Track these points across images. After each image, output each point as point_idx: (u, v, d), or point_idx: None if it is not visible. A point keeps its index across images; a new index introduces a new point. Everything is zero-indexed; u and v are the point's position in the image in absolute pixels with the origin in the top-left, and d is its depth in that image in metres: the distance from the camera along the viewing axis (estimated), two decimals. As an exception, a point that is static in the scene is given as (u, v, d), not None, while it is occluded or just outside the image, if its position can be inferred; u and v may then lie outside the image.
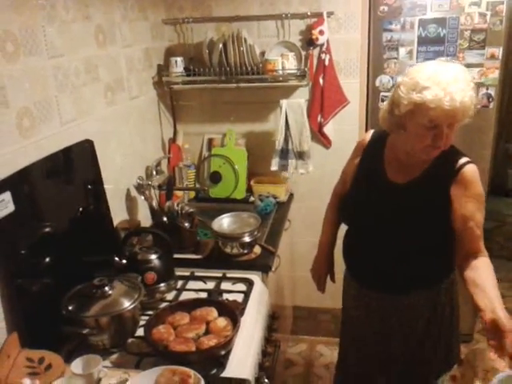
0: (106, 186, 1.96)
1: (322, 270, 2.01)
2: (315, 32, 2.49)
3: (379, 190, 1.69)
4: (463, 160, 1.58)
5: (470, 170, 1.57)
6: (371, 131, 1.83)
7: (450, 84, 1.42)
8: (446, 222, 1.59)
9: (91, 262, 1.75)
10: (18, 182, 1.47)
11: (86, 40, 1.90)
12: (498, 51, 2.50)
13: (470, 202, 1.56)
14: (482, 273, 1.54)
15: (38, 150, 1.60)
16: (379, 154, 1.72)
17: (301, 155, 2.62)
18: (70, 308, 1.50)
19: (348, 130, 2.74)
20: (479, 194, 1.58)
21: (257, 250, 2.11)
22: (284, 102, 2.59)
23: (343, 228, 1.89)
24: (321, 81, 2.59)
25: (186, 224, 2.13)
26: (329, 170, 2.80)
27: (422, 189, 1.61)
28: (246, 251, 2.06)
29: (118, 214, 2.14)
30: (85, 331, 1.46)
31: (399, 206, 1.63)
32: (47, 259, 1.59)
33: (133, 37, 2.30)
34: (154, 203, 2.20)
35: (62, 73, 1.74)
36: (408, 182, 1.64)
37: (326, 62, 2.55)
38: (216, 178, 2.79)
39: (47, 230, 1.62)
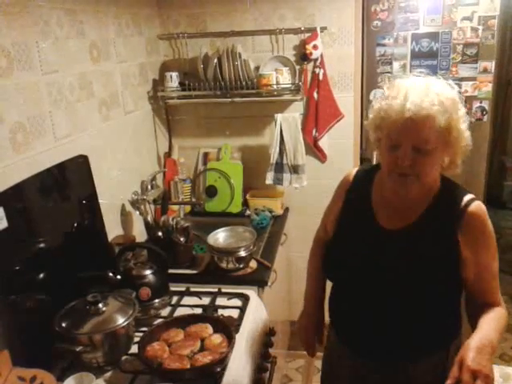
0: (100, 201, 1.95)
1: (310, 329, 1.66)
2: (309, 47, 2.51)
3: (369, 239, 1.40)
4: (467, 197, 1.32)
5: (479, 210, 1.31)
6: (355, 169, 1.57)
7: (412, 93, 1.22)
8: (452, 272, 1.33)
9: (85, 278, 1.73)
10: (11, 198, 1.46)
11: (81, 56, 1.91)
12: (491, 65, 2.53)
13: (484, 249, 1.31)
14: (486, 316, 1.29)
15: (32, 165, 1.60)
16: (366, 195, 1.45)
17: (295, 169, 2.63)
18: (63, 325, 1.48)
19: (343, 143, 2.75)
20: (492, 238, 1.33)
21: (253, 264, 2.10)
22: (279, 116, 2.60)
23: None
24: (315, 95, 2.60)
25: (182, 239, 2.11)
26: (324, 183, 2.80)
27: (421, 236, 1.34)
28: (241, 266, 2.05)
29: (113, 229, 2.13)
30: (78, 348, 1.43)
31: (395, 257, 1.36)
32: (41, 275, 1.57)
33: (128, 52, 2.31)
34: (149, 218, 2.19)
35: (56, 88, 1.74)
36: (404, 228, 1.36)
37: (320, 77, 2.57)
38: (211, 191, 2.78)
39: (41, 245, 1.60)
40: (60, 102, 1.77)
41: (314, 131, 2.69)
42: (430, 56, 2.56)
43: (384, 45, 2.58)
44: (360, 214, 1.45)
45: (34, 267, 1.55)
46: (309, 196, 2.82)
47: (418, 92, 1.22)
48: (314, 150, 2.75)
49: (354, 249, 1.43)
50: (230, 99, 2.58)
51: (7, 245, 1.42)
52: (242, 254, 2.02)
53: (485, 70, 2.54)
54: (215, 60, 2.48)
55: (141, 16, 2.47)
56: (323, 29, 2.53)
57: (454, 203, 1.32)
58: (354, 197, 1.49)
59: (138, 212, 2.18)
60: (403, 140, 1.23)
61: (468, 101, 2.60)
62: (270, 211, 2.63)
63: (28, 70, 1.59)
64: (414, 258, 1.33)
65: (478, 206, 1.31)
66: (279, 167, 2.63)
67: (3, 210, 1.40)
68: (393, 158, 1.26)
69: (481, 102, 2.60)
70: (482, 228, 1.31)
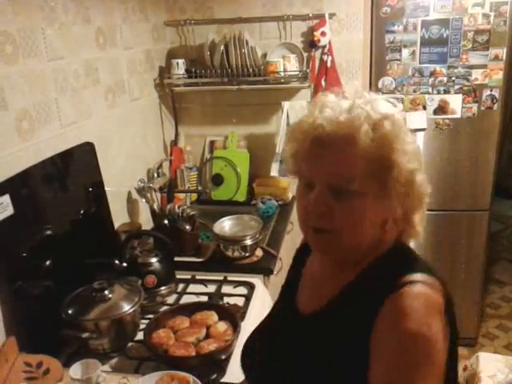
0: (106, 189, 1.95)
1: None
2: (317, 33, 2.48)
3: (282, 328, 1.03)
4: (411, 277, 0.82)
5: (410, 298, 0.79)
6: None
7: (331, 107, 0.86)
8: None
9: (91, 265, 1.74)
10: (17, 185, 1.46)
11: (86, 42, 1.89)
12: (502, 52, 2.48)
13: (390, 361, 0.77)
14: None
15: (38, 152, 1.60)
16: (300, 265, 1.10)
17: (302, 158, 2.60)
18: (70, 311, 1.48)
19: (351, 131, 2.72)
20: (411, 351, 0.76)
21: (258, 253, 2.09)
22: (286, 104, 2.57)
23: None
24: (323, 82, 2.57)
25: (187, 227, 2.11)
26: (331, 172, 2.79)
27: (333, 325, 0.90)
28: (247, 254, 2.04)
29: (119, 217, 2.13)
30: (84, 335, 1.44)
31: (306, 355, 0.92)
32: (47, 262, 1.57)
33: (134, 39, 2.29)
34: (155, 206, 2.18)
35: (62, 75, 1.73)
36: (314, 313, 0.95)
37: (328, 64, 2.54)
38: (218, 180, 2.77)
39: (47, 232, 1.61)
40: (66, 88, 1.76)
41: (321, 119, 2.66)
42: (440, 43, 2.51)
43: (393, 32, 2.53)
44: (285, 292, 1.12)
45: (41, 254, 1.56)
46: (316, 185, 2.80)
47: (339, 106, 0.86)
48: (322, 138, 2.72)
49: (269, 343, 1.03)
50: (236, 86, 2.55)
51: (13, 231, 1.43)
52: (248, 242, 2.02)
53: (496, 58, 2.50)
54: (222, 47, 2.45)
55: (147, 1, 2.45)
56: (332, 15, 2.50)
57: (386, 279, 0.84)
58: (295, 268, 1.14)
59: (144, 200, 2.18)
60: (315, 174, 0.85)
61: (478, 89, 2.56)
62: (277, 200, 2.62)
63: (33, 57, 1.58)
64: (324, 356, 0.88)
65: (412, 294, 0.79)
66: (285, 157, 2.61)
67: (9, 196, 1.41)
68: (305, 203, 0.86)
69: (491, 91, 2.56)
70: (399, 325, 0.77)
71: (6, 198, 1.40)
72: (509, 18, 2.42)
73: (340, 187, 0.82)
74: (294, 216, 2.68)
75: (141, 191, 2.17)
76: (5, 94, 1.45)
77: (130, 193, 2.24)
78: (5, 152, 1.46)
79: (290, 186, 2.76)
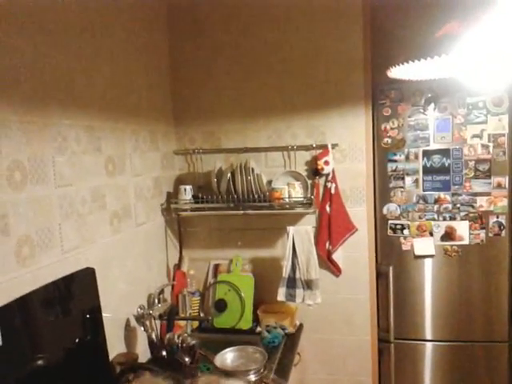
0: (104, 315, 1.87)
1: None
2: (321, 162, 2.55)
3: None
4: None
5: None
6: None
7: None
8: None
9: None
10: (9, 314, 1.40)
11: (96, 170, 1.94)
12: (505, 180, 2.52)
13: None
14: None
15: (36, 278, 1.55)
16: None
17: (308, 284, 2.53)
18: None
19: (358, 257, 2.68)
20: None
21: (262, 389, 1.94)
22: (291, 229, 2.57)
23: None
24: (327, 208, 2.59)
25: (187, 359, 1.98)
26: (340, 298, 2.70)
27: None
28: (250, 390, 1.90)
29: (115, 346, 2.01)
30: None
31: None
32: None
33: (143, 166, 2.37)
34: (154, 335, 2.08)
35: (68, 201, 1.75)
36: None
37: (332, 191, 2.58)
38: (221, 305, 2.68)
39: (38, 363, 1.51)
40: (71, 214, 1.77)
41: (327, 244, 2.64)
42: (443, 171, 2.57)
43: (395, 161, 2.61)
44: None
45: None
46: (324, 311, 2.69)
47: None
48: (328, 263, 2.68)
49: None
50: (242, 211, 2.58)
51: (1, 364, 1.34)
52: (252, 377, 1.88)
53: (499, 186, 2.53)
54: (229, 174, 2.52)
55: (158, 133, 2.57)
56: (334, 145, 2.59)
57: None
58: None
59: (142, 328, 2.08)
60: None
61: (484, 215, 2.56)
62: (283, 328, 2.50)
63: (41, 184, 1.60)
64: None
65: None
66: (291, 282, 2.54)
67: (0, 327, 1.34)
68: None
69: (497, 217, 2.55)
70: None
71: (-4, 329, 1.33)
72: (507, 149, 2.50)
73: None
74: (302, 346, 2.55)
75: (140, 319, 2.08)
76: (8, 219, 1.45)
77: (128, 320, 2.15)
78: (0, 279, 1.42)
79: (298, 312, 2.66)
